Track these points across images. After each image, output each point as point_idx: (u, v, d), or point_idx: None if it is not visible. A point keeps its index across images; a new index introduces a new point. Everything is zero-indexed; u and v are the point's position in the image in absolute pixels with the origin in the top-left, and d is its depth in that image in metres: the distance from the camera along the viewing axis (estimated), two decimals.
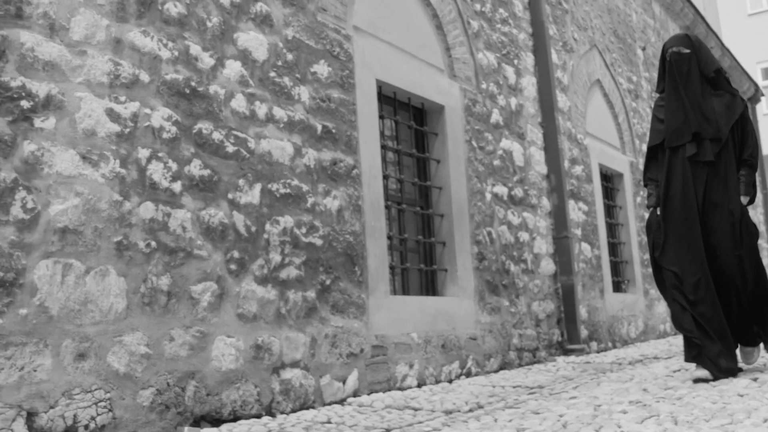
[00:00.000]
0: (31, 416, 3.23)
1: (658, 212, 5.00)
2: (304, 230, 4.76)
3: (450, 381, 5.84)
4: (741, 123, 4.99)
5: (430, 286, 6.25)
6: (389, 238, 5.78)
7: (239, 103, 4.47)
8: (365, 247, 5.26)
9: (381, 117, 5.88)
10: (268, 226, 4.52)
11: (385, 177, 5.84)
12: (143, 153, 3.88)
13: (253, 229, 4.43)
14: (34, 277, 3.34)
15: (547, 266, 7.69)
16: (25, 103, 3.41)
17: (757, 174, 5.21)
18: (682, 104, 4.96)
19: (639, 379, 5.14)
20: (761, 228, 17.44)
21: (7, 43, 3.38)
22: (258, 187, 4.50)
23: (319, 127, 5.04)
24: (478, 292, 6.45)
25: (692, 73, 5.00)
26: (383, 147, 5.89)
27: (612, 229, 9.92)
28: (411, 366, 5.47)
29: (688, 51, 5.03)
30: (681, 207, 4.85)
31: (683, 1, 13.09)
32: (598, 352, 8.22)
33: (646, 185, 5.15)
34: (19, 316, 3.26)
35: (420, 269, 6.17)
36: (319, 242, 4.87)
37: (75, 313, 3.47)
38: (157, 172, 3.93)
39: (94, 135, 3.66)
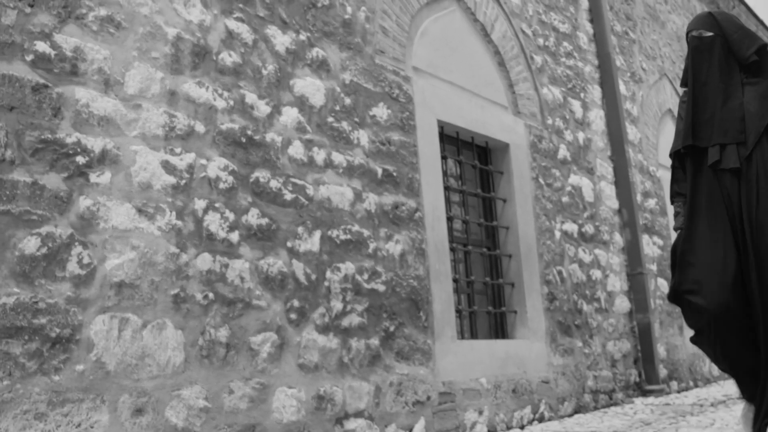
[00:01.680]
0: None
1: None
2: (366, 276, 4.68)
3: (522, 427, 5.66)
4: None
5: (499, 328, 6.10)
6: (455, 280, 5.66)
7: (297, 149, 4.44)
8: (430, 292, 5.15)
9: (444, 157, 5.79)
10: (328, 274, 4.46)
11: (450, 218, 5.73)
12: (200, 204, 3.86)
13: (314, 277, 4.36)
14: (90, 333, 3.32)
15: (622, 304, 7.45)
16: (80, 159, 3.42)
17: None
18: (699, 100, 3.94)
19: (720, 425, 4.89)
20: None
21: (63, 100, 3.40)
22: (317, 234, 4.45)
23: (380, 171, 4.97)
24: (549, 334, 6.27)
25: (717, 61, 3.93)
26: (447, 188, 5.80)
27: None
28: (480, 412, 5.31)
29: (710, 34, 3.96)
30: (709, 229, 3.82)
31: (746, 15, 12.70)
32: (678, 392, 7.90)
33: (672, 202, 4.15)
34: (75, 373, 3.24)
35: (488, 312, 6.02)
36: (381, 288, 4.78)
37: (132, 368, 3.45)
38: (214, 222, 3.90)
39: (149, 188, 3.66)
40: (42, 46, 3.37)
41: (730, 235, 3.76)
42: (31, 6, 3.37)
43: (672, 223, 8.69)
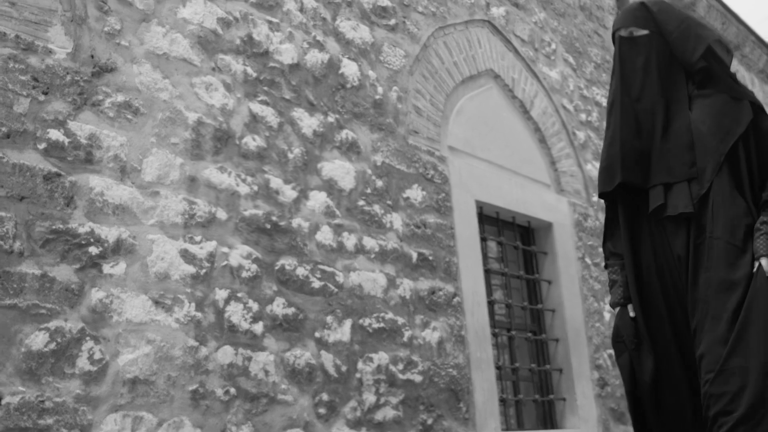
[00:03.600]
0: None
1: (631, 313, 2.86)
2: (401, 366, 4.45)
3: None
4: (753, 139, 2.75)
5: (547, 418, 5.77)
6: (498, 368, 5.39)
7: (325, 235, 4.27)
8: (471, 381, 4.88)
9: (483, 239, 5.57)
10: (360, 365, 4.23)
11: (491, 302, 5.48)
12: (221, 294, 3.69)
13: (344, 368, 4.14)
14: None
15: None
16: (93, 250, 3.28)
17: None
18: (630, 121, 2.87)
19: None
20: None
21: (76, 189, 3.29)
22: (348, 323, 4.24)
23: (415, 255, 4.77)
24: (601, 422, 5.92)
25: (655, 68, 2.87)
26: (487, 271, 5.56)
27: None
28: None
29: (644, 32, 2.89)
30: (664, 305, 2.78)
31: None
32: None
33: (606, 266, 3.03)
34: None
35: (535, 400, 5.71)
36: (418, 378, 4.53)
37: None
38: (236, 313, 3.73)
39: (167, 278, 3.50)
40: (55, 134, 3.28)
41: (688, 334, 2.72)
42: (45, 94, 3.29)
43: None
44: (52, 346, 3.07)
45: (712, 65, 2.80)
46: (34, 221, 3.13)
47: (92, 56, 3.49)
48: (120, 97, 3.55)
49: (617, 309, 2.93)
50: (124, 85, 3.58)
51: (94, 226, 3.32)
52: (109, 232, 3.36)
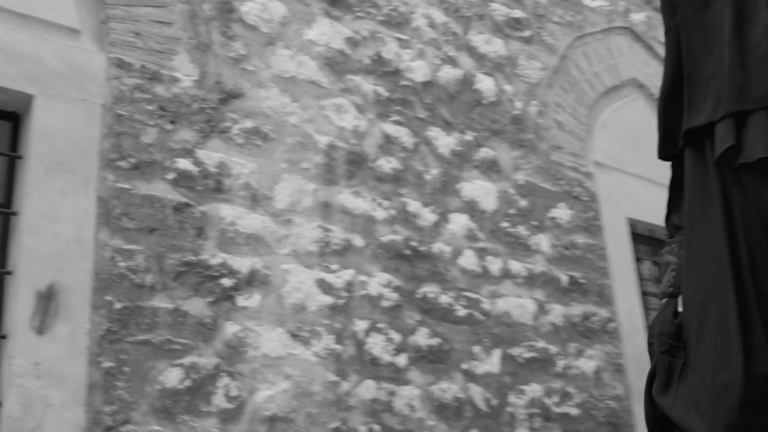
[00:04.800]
0: None
1: (679, 307, 1.90)
2: (555, 399, 4.11)
3: None
4: None
5: None
6: None
7: (468, 259, 4.01)
8: (632, 414, 4.49)
9: (638, 259, 5.18)
10: (511, 398, 3.93)
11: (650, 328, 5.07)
12: (360, 325, 3.49)
13: (494, 402, 3.85)
14: None
15: None
16: (226, 281, 3.15)
17: None
18: (694, 34, 1.93)
19: None
20: None
21: (206, 219, 3.17)
22: (497, 353, 3.95)
23: (565, 278, 4.45)
24: None
25: None
26: (644, 293, 5.16)
27: None
28: None
29: None
30: (733, 292, 1.67)
31: None
32: None
33: (666, 246, 2.04)
34: None
35: None
36: (574, 412, 4.18)
37: None
38: (377, 345, 3.51)
39: (303, 310, 3.33)
40: (184, 163, 3.18)
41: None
42: (173, 123, 3.19)
43: None
44: (187, 382, 2.94)
45: None
46: (165, 253, 3.02)
47: (218, 83, 3.39)
48: (248, 123, 3.42)
49: (664, 300, 1.95)
50: (252, 111, 3.46)
51: (227, 257, 3.18)
52: (242, 263, 3.22)
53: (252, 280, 3.23)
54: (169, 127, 3.18)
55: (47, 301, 2.78)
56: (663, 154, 1.97)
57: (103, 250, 2.93)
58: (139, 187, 3.04)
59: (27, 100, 3.00)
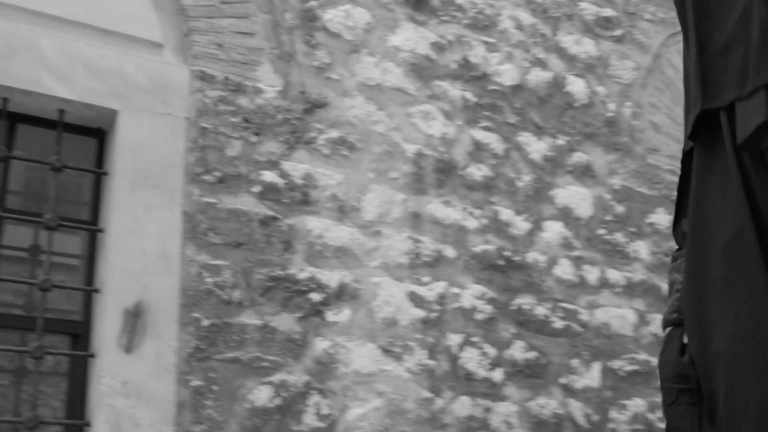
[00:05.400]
0: None
1: (684, 339, 1.51)
2: (659, 414, 3.90)
3: None
4: None
5: None
6: None
7: (564, 269, 3.84)
8: None
9: None
10: (613, 413, 3.74)
11: None
12: (454, 339, 3.36)
13: (595, 418, 3.67)
14: None
15: None
16: (315, 296, 3.06)
17: None
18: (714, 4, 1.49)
19: None
20: None
21: (294, 232, 3.09)
22: (596, 366, 3.77)
23: (665, 287, 4.23)
24: None
25: None
26: None
27: None
28: None
29: None
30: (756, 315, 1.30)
31: None
32: None
33: (673, 259, 1.69)
34: None
35: None
36: None
37: None
38: (472, 360, 3.37)
39: (395, 324, 3.22)
40: (269, 176, 3.10)
41: None
42: (257, 134, 3.12)
43: None
44: (277, 401, 2.86)
45: None
46: (252, 268, 2.95)
47: (303, 92, 3.31)
48: (334, 133, 3.33)
49: (667, 330, 1.64)
50: (338, 120, 3.37)
51: (315, 271, 3.09)
52: (331, 277, 3.12)
53: (341, 294, 3.13)
54: (253, 139, 3.12)
55: (135, 318, 2.73)
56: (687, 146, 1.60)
57: (190, 266, 2.87)
58: (224, 201, 2.97)
59: (111, 115, 2.97)
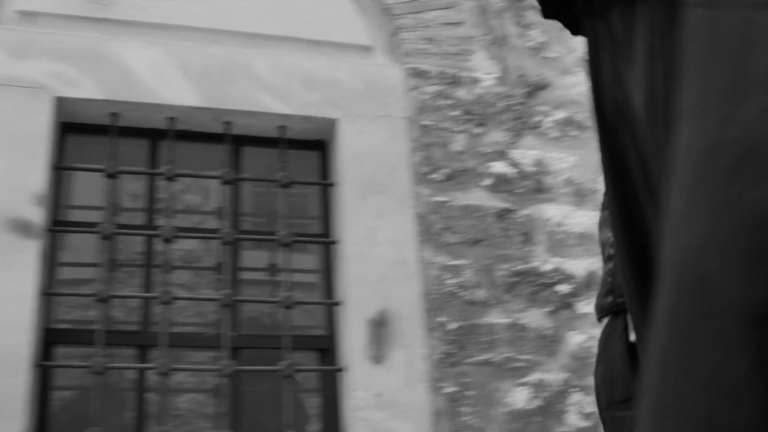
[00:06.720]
0: None
1: (632, 335, 1.29)
2: None
3: None
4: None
5: None
6: None
7: None
8: None
9: None
10: None
11: None
12: None
13: None
14: None
15: None
16: (562, 288, 2.86)
17: None
18: None
19: None
20: None
21: (531, 223, 2.91)
22: None
23: None
24: None
25: None
26: None
27: None
28: None
29: None
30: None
31: None
32: None
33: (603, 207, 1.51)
34: None
35: None
36: None
37: None
38: None
39: None
40: (499, 167, 2.94)
41: None
42: (481, 125, 2.97)
43: None
44: (537, 402, 2.67)
45: None
46: (493, 265, 2.79)
47: (521, 76, 3.13)
48: (560, 114, 3.13)
49: (603, 322, 1.38)
50: (562, 100, 3.16)
51: (560, 261, 2.89)
52: (577, 266, 2.91)
53: (590, 283, 2.91)
54: (477, 130, 2.97)
55: (380, 328, 2.64)
56: None
57: (429, 269, 2.75)
58: (456, 198, 2.84)
59: (331, 125, 2.92)
